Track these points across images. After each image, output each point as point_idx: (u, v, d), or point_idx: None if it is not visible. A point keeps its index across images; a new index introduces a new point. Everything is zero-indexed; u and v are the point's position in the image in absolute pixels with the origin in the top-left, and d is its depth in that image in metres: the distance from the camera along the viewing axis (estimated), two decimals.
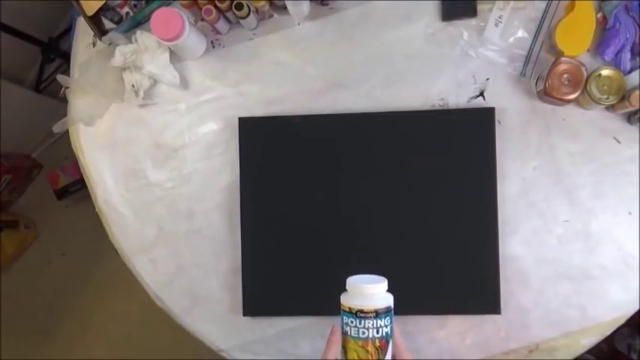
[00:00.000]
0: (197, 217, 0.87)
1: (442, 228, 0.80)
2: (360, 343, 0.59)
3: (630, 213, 0.78)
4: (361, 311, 0.58)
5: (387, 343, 0.60)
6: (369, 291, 0.60)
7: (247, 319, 0.84)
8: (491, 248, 0.78)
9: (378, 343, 0.59)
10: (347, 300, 0.60)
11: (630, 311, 0.78)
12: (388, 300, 0.60)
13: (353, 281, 0.61)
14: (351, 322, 0.59)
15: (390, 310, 0.60)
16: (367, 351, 0.59)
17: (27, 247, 1.83)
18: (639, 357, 1.21)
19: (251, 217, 0.84)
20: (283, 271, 0.83)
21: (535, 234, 0.80)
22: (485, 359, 0.80)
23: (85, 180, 0.92)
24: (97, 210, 0.91)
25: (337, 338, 0.62)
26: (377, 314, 0.58)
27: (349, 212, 0.82)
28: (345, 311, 0.60)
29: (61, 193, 1.76)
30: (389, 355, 0.60)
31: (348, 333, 0.59)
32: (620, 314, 0.78)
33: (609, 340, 1.23)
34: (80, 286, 1.77)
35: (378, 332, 0.59)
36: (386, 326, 0.59)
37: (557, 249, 0.79)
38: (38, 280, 1.82)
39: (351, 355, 0.59)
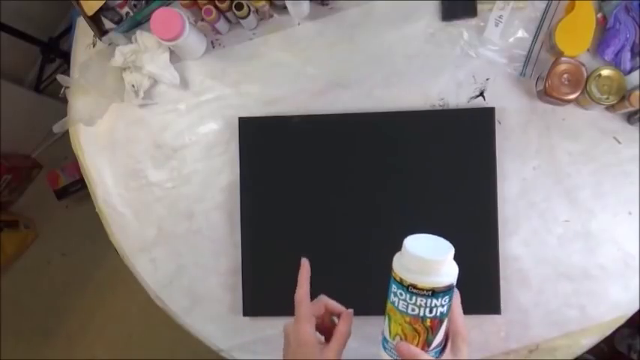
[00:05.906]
0: (197, 217, 0.87)
1: (442, 228, 0.79)
2: (408, 319, 0.49)
3: (630, 213, 0.78)
4: (414, 287, 0.47)
5: (441, 323, 0.50)
6: (430, 264, 0.48)
7: (247, 319, 0.84)
8: (491, 248, 0.78)
9: (429, 323, 0.49)
10: (400, 267, 0.49)
11: (630, 311, 0.78)
12: (450, 276, 0.49)
13: (412, 244, 0.49)
14: (401, 294, 0.48)
15: (452, 288, 0.49)
16: (414, 329, 0.49)
17: (27, 247, 1.83)
18: (639, 357, 1.21)
19: (251, 218, 0.84)
20: (283, 271, 0.82)
21: (535, 234, 0.80)
22: (485, 359, 0.80)
23: (85, 180, 0.92)
24: (97, 210, 0.91)
25: (306, 277, 0.54)
26: (433, 293, 0.47)
27: (349, 212, 0.82)
28: (394, 279, 0.49)
29: (61, 193, 1.76)
30: (439, 336, 0.50)
31: (395, 304, 0.49)
32: (620, 314, 0.78)
33: (609, 340, 1.23)
34: (80, 286, 1.77)
35: (431, 312, 0.48)
36: (442, 306, 0.48)
37: (557, 249, 0.79)
38: (38, 280, 1.81)
39: (395, 328, 0.50)
